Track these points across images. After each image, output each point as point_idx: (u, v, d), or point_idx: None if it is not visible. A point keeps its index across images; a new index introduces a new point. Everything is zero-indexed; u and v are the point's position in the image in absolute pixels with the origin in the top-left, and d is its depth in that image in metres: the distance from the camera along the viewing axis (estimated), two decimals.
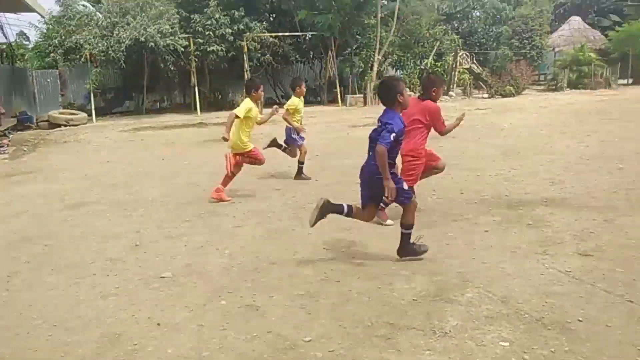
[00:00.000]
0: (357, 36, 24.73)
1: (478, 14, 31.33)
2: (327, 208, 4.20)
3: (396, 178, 4.12)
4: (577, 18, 30.11)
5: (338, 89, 23.18)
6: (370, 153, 4.17)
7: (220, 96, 23.63)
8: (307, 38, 24.62)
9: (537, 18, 26.83)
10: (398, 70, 26.04)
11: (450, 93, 23.51)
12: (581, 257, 4.10)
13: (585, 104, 17.28)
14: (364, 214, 4.33)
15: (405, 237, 4.19)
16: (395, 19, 23.18)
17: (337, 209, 4.25)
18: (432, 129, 5.39)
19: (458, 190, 6.47)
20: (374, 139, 4.12)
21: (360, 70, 24.12)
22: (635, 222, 4.88)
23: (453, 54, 24.70)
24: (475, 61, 25.06)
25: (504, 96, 22.66)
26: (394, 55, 24.70)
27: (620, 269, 3.82)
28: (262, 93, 6.99)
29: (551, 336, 2.96)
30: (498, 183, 6.78)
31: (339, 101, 23.02)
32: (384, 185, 3.96)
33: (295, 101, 7.58)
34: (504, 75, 24.02)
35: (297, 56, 25.31)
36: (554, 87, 25.39)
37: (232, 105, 22.27)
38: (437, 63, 25.53)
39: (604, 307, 3.27)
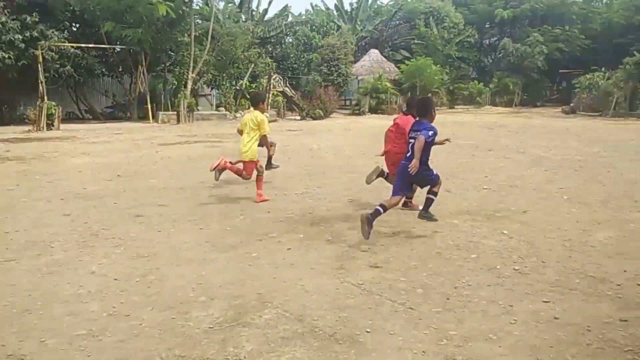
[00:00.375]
0: (171, 53, 24.00)
1: (290, 40, 32.92)
2: (370, 219, 4.98)
3: (429, 169, 5.25)
4: (376, 51, 33.58)
5: (149, 105, 22.08)
6: (407, 155, 5.25)
7: (7, 109, 20.67)
8: (114, 51, 23.06)
9: (342, 48, 29.18)
10: (214, 90, 25.90)
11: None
12: (372, 269, 4.37)
13: (383, 128, 19.11)
14: (393, 202, 5.25)
15: (429, 202, 5.37)
16: (209, 38, 23.05)
17: (377, 214, 5.06)
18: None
19: (265, 210, 6.50)
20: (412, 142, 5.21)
21: (174, 87, 23.39)
22: (417, 233, 5.42)
23: (267, 76, 25.44)
24: (288, 85, 26.16)
25: (314, 119, 24.03)
26: (209, 75, 24.52)
27: (403, 278, 4.16)
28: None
29: (342, 350, 3.04)
30: (303, 201, 7.01)
31: (150, 118, 21.93)
32: (413, 174, 5.05)
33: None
34: (314, 99, 25.50)
35: (104, 69, 23.52)
36: (358, 112, 27.76)
37: (22, 120, 19.65)
38: (252, 84, 26.02)
39: (389, 316, 3.49)
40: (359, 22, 36.06)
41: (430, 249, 4.91)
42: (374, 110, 27.63)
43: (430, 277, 4.18)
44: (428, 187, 5.42)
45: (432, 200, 5.41)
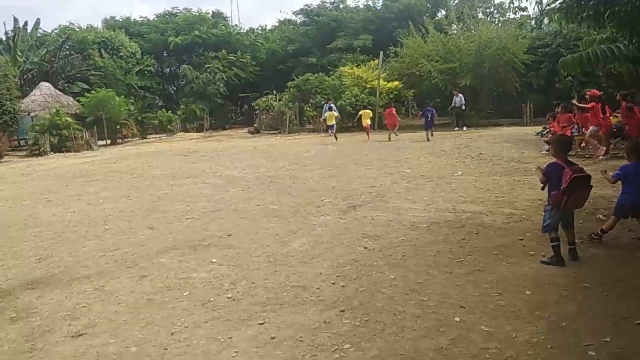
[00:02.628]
0: None
1: None
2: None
3: None
4: (47, 84, 30.12)
5: None
6: None
7: None
8: None
9: (3, 82, 25.19)
10: None
11: None
12: (74, 340, 3.76)
13: (70, 167, 17.27)
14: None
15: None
16: None
17: None
18: None
19: None
20: None
21: None
22: (123, 283, 4.95)
23: None
24: None
25: None
26: None
27: (113, 340, 3.70)
28: None
29: None
30: None
31: None
32: None
33: None
34: None
35: None
36: (37, 152, 24.38)
37: None
38: None
39: None
40: (19, 53, 31.74)
41: (139, 297, 4.53)
42: (57, 148, 24.71)
43: (143, 330, 3.84)
44: None
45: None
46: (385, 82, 25.27)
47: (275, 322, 3.79)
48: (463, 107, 21.98)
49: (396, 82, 25.22)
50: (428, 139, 17.13)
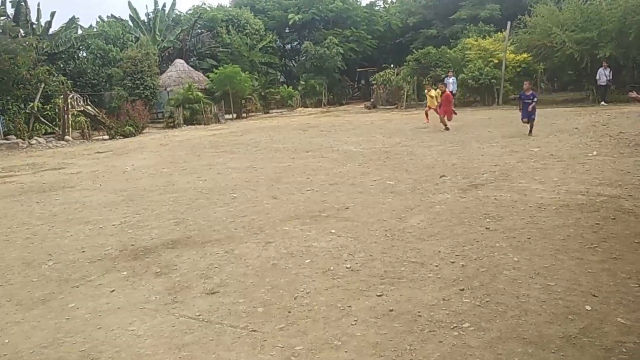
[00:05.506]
0: None
1: (85, 54, 30.18)
2: None
3: None
4: (181, 61, 32.61)
5: None
6: None
7: None
8: None
9: (144, 60, 27.70)
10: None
11: (67, 137, 21.73)
12: (208, 296, 4.14)
13: (201, 139, 18.68)
14: None
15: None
16: None
17: None
18: None
19: (79, 249, 5.77)
20: None
21: None
22: (250, 248, 5.31)
23: (63, 96, 22.93)
24: (89, 102, 23.93)
25: (125, 136, 22.38)
26: None
27: (242, 300, 4.01)
28: None
29: None
30: (122, 232, 6.39)
31: None
32: None
33: None
34: (121, 116, 23.76)
35: None
36: (172, 124, 26.67)
37: None
38: (45, 106, 23.24)
39: (232, 345, 3.32)
40: (158, 33, 34.60)
41: (265, 262, 4.84)
42: (189, 121, 26.81)
43: (269, 293, 4.11)
44: None
45: None
46: (513, 55, 23.70)
47: (393, 296, 3.84)
48: (607, 81, 19.96)
49: (524, 55, 23.53)
50: (530, 132, 12.23)
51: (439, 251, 4.74)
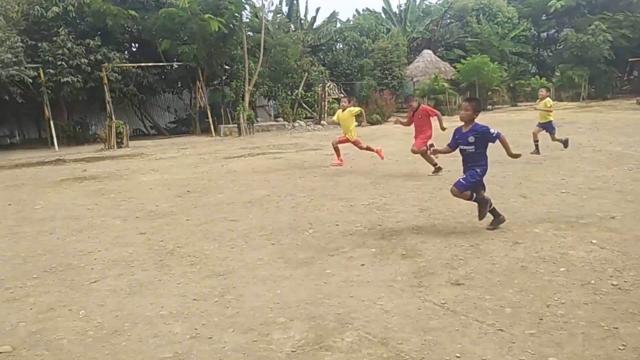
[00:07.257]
0: (226, 66, 24.55)
1: (341, 46, 32.88)
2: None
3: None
4: (429, 51, 32.96)
5: (210, 119, 22.67)
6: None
7: (80, 129, 21.83)
8: (172, 68, 23.88)
9: (394, 51, 28.84)
10: (270, 100, 26.25)
11: (323, 122, 24.14)
12: (453, 287, 4.16)
13: (447, 129, 18.62)
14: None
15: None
16: (261, 50, 23.38)
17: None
18: None
19: (334, 222, 6.41)
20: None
21: (232, 100, 23.89)
22: (496, 245, 5.14)
23: (321, 84, 25.50)
24: (342, 91, 26.12)
25: (372, 124, 23.79)
26: (265, 86, 24.87)
27: (488, 296, 3.92)
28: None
29: None
30: (371, 212, 6.85)
31: (212, 131, 22.49)
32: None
33: None
34: (370, 104, 25.28)
35: (164, 86, 24.41)
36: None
37: (95, 139, 20.73)
38: (307, 93, 26.17)
39: (478, 339, 3.28)
40: (408, 24, 35.54)
41: (513, 262, 4.63)
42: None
43: (517, 295, 3.93)
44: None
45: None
46: None
47: None
48: None
49: None
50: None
51: None
